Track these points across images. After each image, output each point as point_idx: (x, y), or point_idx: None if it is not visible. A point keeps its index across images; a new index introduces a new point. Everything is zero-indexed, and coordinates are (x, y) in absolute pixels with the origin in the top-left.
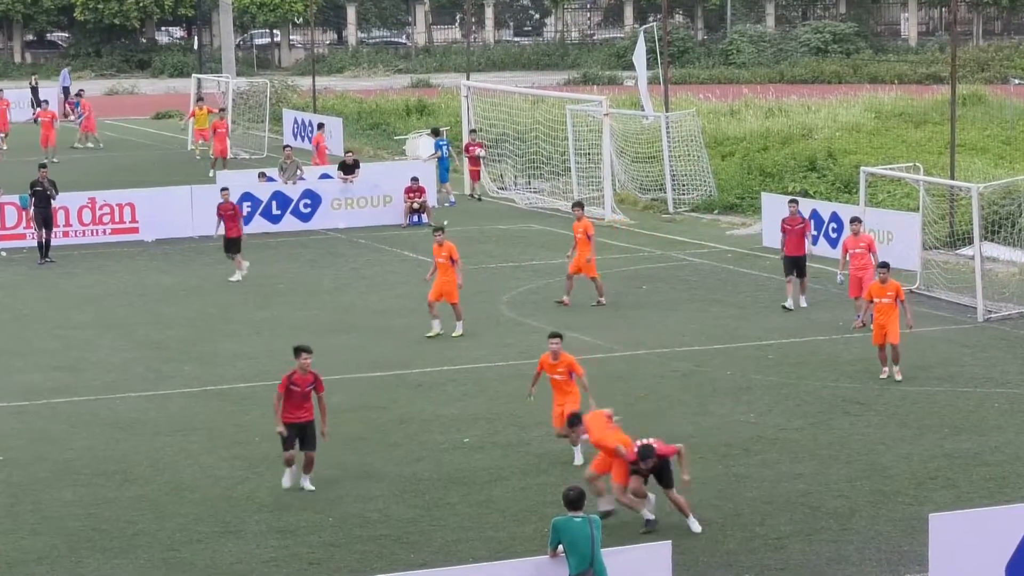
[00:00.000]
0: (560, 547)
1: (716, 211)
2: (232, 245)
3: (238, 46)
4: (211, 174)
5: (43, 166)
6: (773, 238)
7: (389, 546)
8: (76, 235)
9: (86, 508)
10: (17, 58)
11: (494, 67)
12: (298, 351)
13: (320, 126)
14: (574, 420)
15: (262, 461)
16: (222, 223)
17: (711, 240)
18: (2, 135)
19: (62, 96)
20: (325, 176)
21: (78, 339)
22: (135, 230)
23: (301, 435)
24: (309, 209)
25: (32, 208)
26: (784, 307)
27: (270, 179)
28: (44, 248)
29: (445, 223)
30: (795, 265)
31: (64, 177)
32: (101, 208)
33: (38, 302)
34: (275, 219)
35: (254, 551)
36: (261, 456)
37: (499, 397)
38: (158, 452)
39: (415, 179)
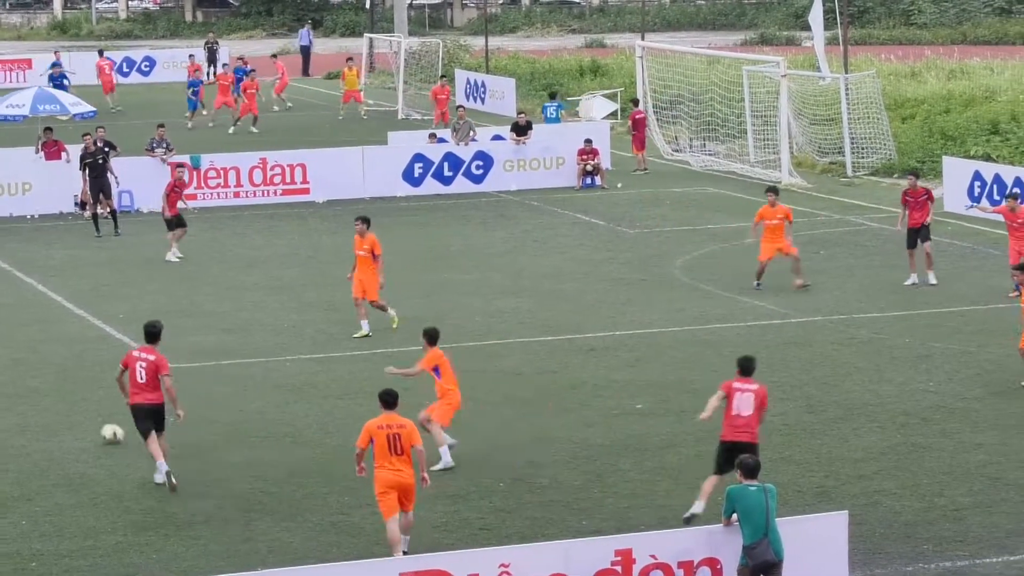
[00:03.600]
0: (735, 516)
1: (896, 175)
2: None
3: (410, 5)
4: (231, 131)
5: (87, 133)
6: (954, 202)
7: (559, 512)
8: (247, 196)
9: (255, 470)
10: (188, 17)
11: (669, 27)
12: None
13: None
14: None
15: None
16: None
17: (890, 204)
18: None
19: (302, 56)
20: (497, 137)
21: (247, 300)
22: (306, 191)
23: None
24: (481, 171)
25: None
26: (909, 284)
27: (441, 140)
28: (114, 220)
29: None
30: (917, 234)
31: (235, 138)
32: (272, 169)
33: (207, 263)
34: (447, 181)
35: (424, 516)
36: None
37: (672, 363)
38: (327, 415)
39: (588, 141)
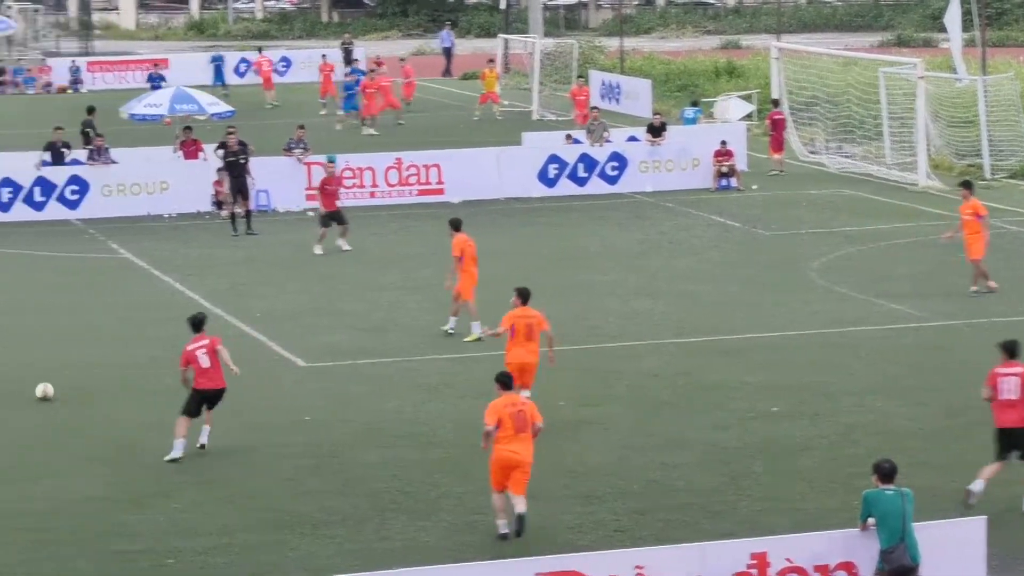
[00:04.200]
0: (871, 520)
1: None
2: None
3: (545, 6)
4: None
5: (232, 131)
6: None
7: (693, 514)
8: (382, 196)
9: (390, 470)
10: (324, 17)
11: (805, 28)
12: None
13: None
14: None
15: (566, 427)
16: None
17: None
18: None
19: (444, 57)
20: (632, 138)
21: (384, 300)
22: (441, 191)
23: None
24: (616, 172)
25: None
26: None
27: (576, 141)
28: (247, 219)
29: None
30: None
31: (370, 139)
32: (407, 169)
33: (343, 263)
34: (582, 182)
35: (559, 516)
36: (565, 421)
37: (807, 365)
38: (463, 415)
39: (724, 142)
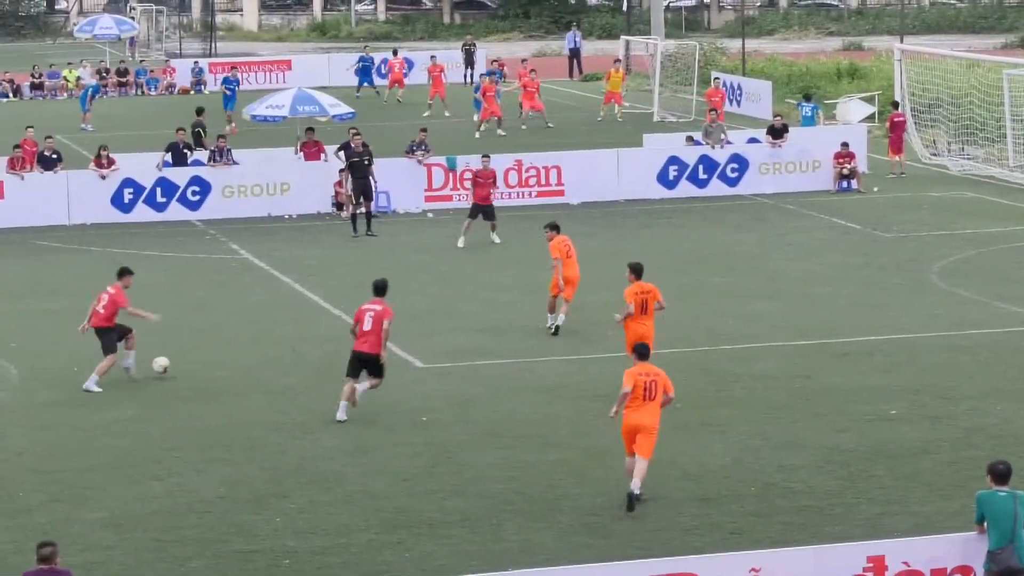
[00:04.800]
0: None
1: None
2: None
3: (667, 7)
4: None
5: (356, 132)
6: None
7: (812, 518)
8: (503, 197)
9: (507, 471)
10: (446, 19)
11: (928, 30)
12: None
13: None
14: None
15: (684, 428)
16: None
17: None
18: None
19: (570, 58)
20: (753, 140)
21: (501, 301)
22: (560, 192)
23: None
24: (736, 173)
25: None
26: None
27: (697, 143)
28: (367, 220)
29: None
30: None
31: (489, 140)
32: (527, 171)
33: (463, 263)
34: (702, 183)
35: (675, 519)
36: (684, 423)
37: (927, 368)
38: (579, 416)
39: (845, 144)
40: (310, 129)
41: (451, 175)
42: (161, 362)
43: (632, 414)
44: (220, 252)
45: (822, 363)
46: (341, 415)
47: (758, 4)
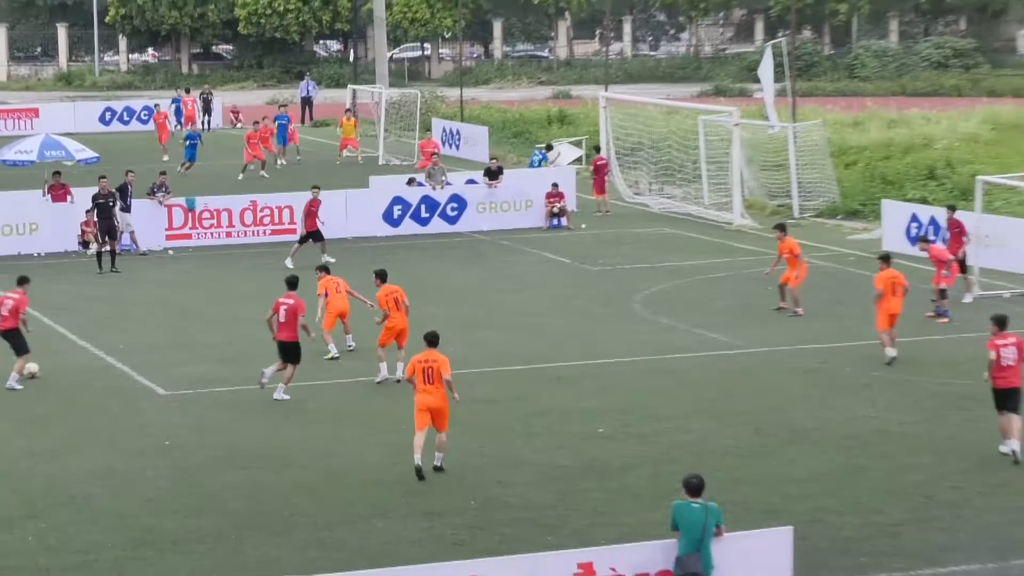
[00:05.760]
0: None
1: (839, 216)
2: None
3: (391, 59)
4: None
5: (103, 176)
6: (893, 243)
7: (527, 529)
8: (238, 235)
9: (246, 490)
10: (184, 69)
11: (631, 79)
12: None
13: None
14: None
15: (409, 447)
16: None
17: (834, 244)
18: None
19: (303, 104)
20: (471, 181)
21: (239, 333)
22: (293, 231)
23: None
24: (456, 212)
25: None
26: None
27: (420, 184)
28: (111, 258)
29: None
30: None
31: (225, 183)
32: (262, 210)
33: (199, 299)
34: (424, 222)
35: (401, 532)
36: (407, 443)
37: (634, 391)
38: (314, 438)
39: (555, 184)
40: (57, 172)
41: (190, 214)
42: (31, 368)
43: (422, 396)
44: None
45: (539, 387)
46: (280, 395)
47: (475, 56)
